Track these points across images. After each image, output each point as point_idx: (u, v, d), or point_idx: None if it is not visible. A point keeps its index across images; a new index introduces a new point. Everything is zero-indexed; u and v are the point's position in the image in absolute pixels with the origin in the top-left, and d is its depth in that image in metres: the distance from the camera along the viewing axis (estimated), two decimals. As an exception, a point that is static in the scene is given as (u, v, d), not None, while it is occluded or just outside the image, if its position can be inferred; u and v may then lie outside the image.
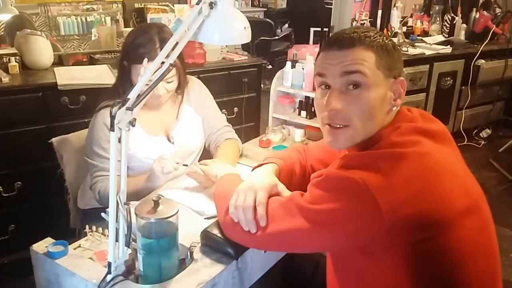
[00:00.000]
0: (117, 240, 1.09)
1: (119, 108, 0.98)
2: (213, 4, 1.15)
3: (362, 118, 1.03)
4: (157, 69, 1.08)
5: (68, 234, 1.58)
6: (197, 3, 1.13)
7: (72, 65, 2.59)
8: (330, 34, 4.11)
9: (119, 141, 1.02)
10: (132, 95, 1.00)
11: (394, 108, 1.07)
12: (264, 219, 1.08)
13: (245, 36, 1.21)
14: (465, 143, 4.19)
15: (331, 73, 1.04)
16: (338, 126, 1.05)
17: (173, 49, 1.10)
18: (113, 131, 0.98)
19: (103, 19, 3.23)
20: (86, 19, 3.27)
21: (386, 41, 1.06)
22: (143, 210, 1.09)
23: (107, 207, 1.06)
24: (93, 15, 3.29)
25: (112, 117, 0.97)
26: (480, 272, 1.01)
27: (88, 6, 3.26)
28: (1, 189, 2.24)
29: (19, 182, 2.27)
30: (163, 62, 1.09)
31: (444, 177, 0.99)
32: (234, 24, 1.19)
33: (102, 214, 1.07)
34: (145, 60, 1.09)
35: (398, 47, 1.11)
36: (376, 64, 1.02)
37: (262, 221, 1.08)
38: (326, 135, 1.09)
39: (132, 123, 1.01)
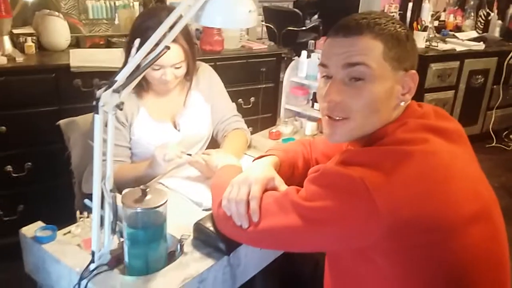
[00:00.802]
0: (102, 228, 1.05)
1: (105, 90, 0.93)
2: (216, -15, 1.08)
3: (364, 112, 0.96)
4: (150, 52, 1.02)
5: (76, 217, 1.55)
6: (199, -17, 1.07)
7: (89, 48, 2.57)
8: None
9: (106, 125, 0.97)
10: (120, 77, 0.95)
11: (402, 103, 0.99)
12: (257, 214, 1.02)
13: (250, 19, 1.14)
14: (493, 144, 4.02)
15: (334, 63, 0.97)
16: (337, 118, 0.99)
17: (169, 30, 1.04)
18: (98, 114, 0.93)
19: (131, 4, 3.21)
20: (114, 3, 3.24)
21: (399, 30, 0.98)
22: (130, 199, 1.04)
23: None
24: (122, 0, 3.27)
25: (97, 100, 0.91)
26: (487, 283, 0.94)
27: (121, -10, 3.22)
28: (11, 169, 2.24)
29: (29, 163, 2.27)
30: (157, 45, 1.03)
31: (451, 179, 0.91)
32: (238, 6, 1.12)
33: (86, 201, 1.02)
34: (137, 40, 1.03)
35: (413, 37, 1.02)
36: (383, 55, 0.94)
37: (254, 216, 1.02)
38: (325, 127, 1.03)
39: (119, 106, 0.96)
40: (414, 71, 0.99)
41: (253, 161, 1.27)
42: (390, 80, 0.96)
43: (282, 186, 1.11)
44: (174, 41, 1.53)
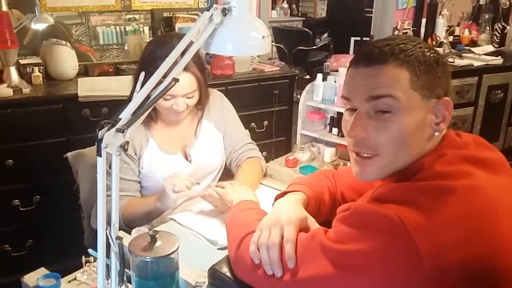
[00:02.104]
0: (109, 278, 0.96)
1: (108, 129, 0.84)
2: (226, 11, 1.01)
3: (393, 147, 0.87)
4: (158, 83, 0.94)
5: (87, 252, 1.48)
6: (207, 9, 1.00)
7: (97, 76, 2.52)
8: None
9: (110, 167, 0.89)
10: (124, 115, 0.87)
11: (436, 133, 0.90)
12: (293, 259, 0.91)
13: (263, 46, 1.06)
14: (516, 161, 3.87)
15: (357, 96, 0.89)
16: (365, 155, 0.90)
17: (176, 61, 0.96)
18: (100, 156, 0.84)
19: (141, 29, 3.19)
20: (125, 28, 3.22)
21: (428, 54, 0.88)
22: (138, 246, 0.94)
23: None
24: (132, 25, 3.25)
25: (99, 140, 0.83)
26: None
27: (131, 16, 3.21)
28: (19, 203, 2.17)
29: (38, 196, 2.20)
30: (165, 76, 0.95)
31: (501, 216, 0.81)
32: (251, 32, 1.04)
33: (90, 251, 0.93)
34: (142, 74, 0.96)
35: (445, 60, 0.93)
36: (411, 84, 0.86)
37: (290, 262, 0.91)
38: (353, 164, 0.93)
39: (124, 146, 0.87)
40: (447, 98, 0.90)
41: (276, 198, 1.17)
42: (421, 110, 0.87)
43: (315, 227, 1.01)
44: (186, 69, 1.46)
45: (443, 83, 0.90)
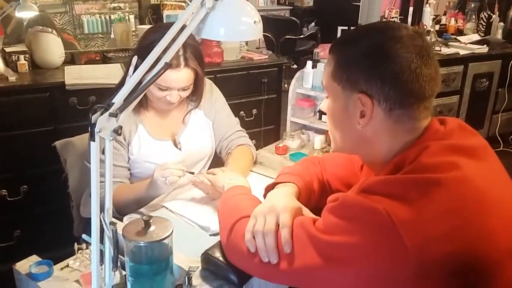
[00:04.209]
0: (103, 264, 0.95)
1: (101, 113, 0.84)
2: (218, -5, 1.00)
3: (329, 126, 1.01)
4: (151, 68, 0.93)
5: (77, 241, 1.47)
6: (199, -7, 0.99)
7: (84, 64, 2.49)
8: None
9: (103, 152, 0.89)
10: (118, 99, 0.86)
11: (357, 126, 0.91)
12: (289, 244, 0.91)
13: (256, 31, 1.06)
14: (500, 148, 3.93)
15: None
16: None
17: (168, 46, 0.95)
18: (94, 141, 0.84)
19: (126, 17, 3.15)
20: (110, 17, 3.19)
21: (366, 49, 0.88)
22: (132, 231, 0.94)
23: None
24: (117, 13, 3.21)
25: (92, 125, 0.82)
26: None
27: (115, 5, 3.17)
28: (6, 193, 2.15)
29: (25, 186, 2.18)
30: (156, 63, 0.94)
31: (488, 207, 0.81)
32: (243, 17, 1.04)
33: (84, 236, 0.93)
34: (135, 58, 0.95)
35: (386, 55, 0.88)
36: (332, 74, 0.93)
37: (286, 247, 0.91)
38: None
39: (117, 131, 0.87)
40: (360, 95, 0.88)
41: (266, 189, 1.17)
42: (343, 100, 0.92)
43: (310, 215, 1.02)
44: (187, 64, 1.46)
45: (368, 78, 0.88)
